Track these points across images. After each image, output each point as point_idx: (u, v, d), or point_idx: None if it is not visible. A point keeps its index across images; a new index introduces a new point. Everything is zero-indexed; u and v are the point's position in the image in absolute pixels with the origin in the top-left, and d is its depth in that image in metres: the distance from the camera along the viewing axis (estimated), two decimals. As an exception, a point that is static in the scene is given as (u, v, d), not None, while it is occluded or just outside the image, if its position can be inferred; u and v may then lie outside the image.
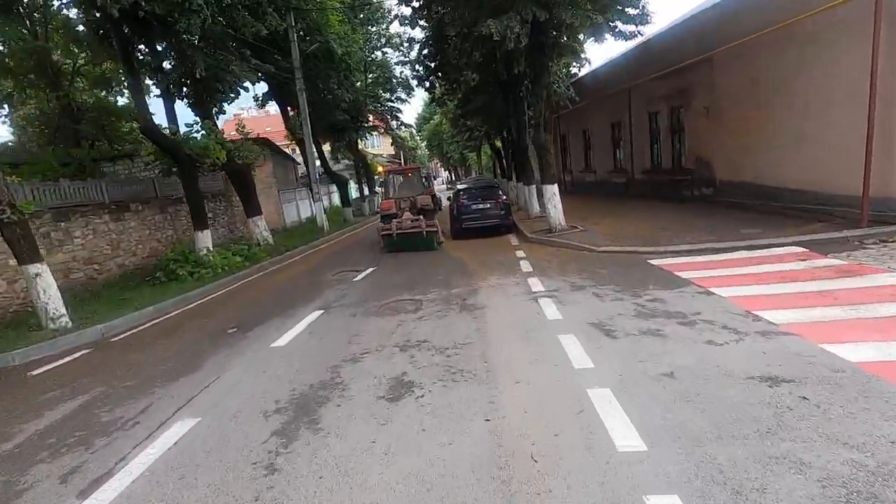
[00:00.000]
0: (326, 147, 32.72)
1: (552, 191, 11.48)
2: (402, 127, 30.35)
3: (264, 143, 22.27)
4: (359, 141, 32.96)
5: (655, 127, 16.85)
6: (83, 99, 20.07)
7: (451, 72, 20.50)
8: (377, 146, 63.85)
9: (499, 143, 33.38)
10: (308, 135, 18.57)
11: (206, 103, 13.68)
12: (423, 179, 15.95)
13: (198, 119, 13.28)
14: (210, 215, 16.54)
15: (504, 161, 30.35)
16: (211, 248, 12.01)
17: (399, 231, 12.19)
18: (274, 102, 23.27)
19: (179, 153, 11.62)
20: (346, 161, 34.84)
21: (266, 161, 22.18)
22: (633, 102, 17.73)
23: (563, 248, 10.23)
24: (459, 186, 14.65)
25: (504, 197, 13.42)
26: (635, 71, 16.75)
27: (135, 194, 13.16)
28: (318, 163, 25.51)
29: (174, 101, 12.67)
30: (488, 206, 13.18)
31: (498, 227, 13.31)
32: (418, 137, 73.02)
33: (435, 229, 12.21)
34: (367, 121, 28.50)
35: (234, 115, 62.39)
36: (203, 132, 12.53)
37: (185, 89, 13.19)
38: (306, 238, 17.53)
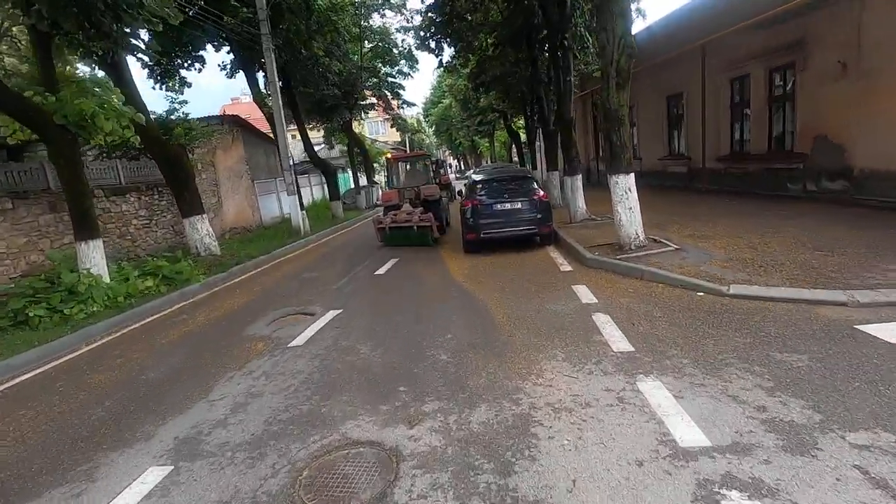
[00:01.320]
0: (319, 133, 28.53)
1: (626, 185, 7.19)
2: (405, 106, 26.03)
3: (233, 122, 18.21)
4: (354, 122, 28.90)
5: (741, 97, 12.44)
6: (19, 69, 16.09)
7: (464, 30, 16.21)
8: (380, 132, 59.62)
9: (518, 125, 29.04)
10: (278, 107, 14.37)
11: (116, 57, 9.45)
12: (434, 167, 14.38)
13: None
14: (144, 213, 12.53)
15: (525, 146, 26.08)
16: (96, 271, 7.90)
17: (393, 224, 11.09)
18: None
19: (44, 123, 7.48)
20: (342, 147, 30.53)
21: (235, 143, 18.14)
22: (708, 66, 13.30)
23: (656, 285, 5.99)
24: (475, 177, 10.32)
25: (541, 193, 9.15)
26: (713, 20, 12.31)
27: (5, 186, 9.13)
28: (291, 146, 21.55)
29: (48, 44, 8.46)
30: (518, 205, 8.92)
31: (531, 236, 9.13)
32: (425, 124, 68.95)
33: (428, 224, 10.76)
34: (363, 98, 24.22)
35: (232, 99, 58.52)
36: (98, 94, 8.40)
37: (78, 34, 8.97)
38: (274, 243, 13.43)
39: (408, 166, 14.52)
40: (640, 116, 17.87)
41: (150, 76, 16.02)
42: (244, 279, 9.70)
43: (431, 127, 63.72)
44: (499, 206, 8.93)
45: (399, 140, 60.80)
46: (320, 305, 6.73)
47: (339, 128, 25.87)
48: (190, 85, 17.37)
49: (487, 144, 48.36)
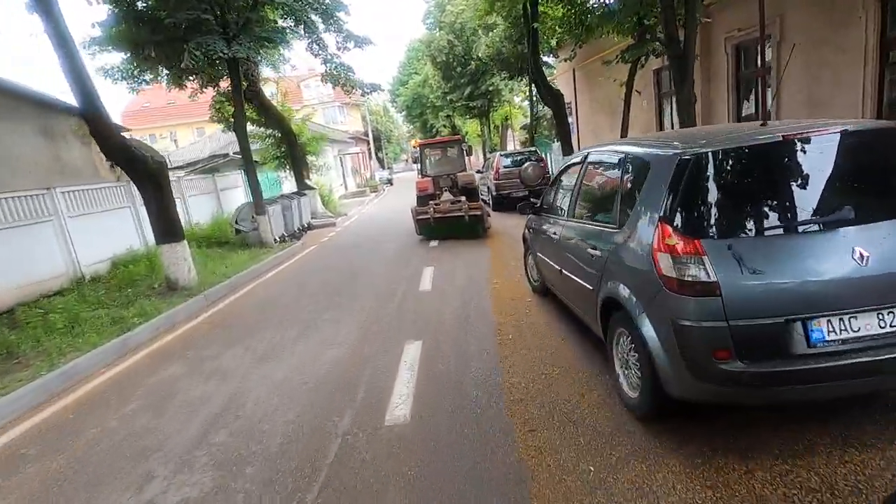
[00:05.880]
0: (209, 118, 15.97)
1: None
2: (349, 46, 13.68)
3: None
4: (239, 64, 17.14)
5: None
6: None
7: None
8: (338, 120, 47.08)
9: (548, 72, 17.30)
10: None
11: None
12: (465, 153, 12.69)
13: None
14: None
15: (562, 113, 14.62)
16: None
17: (438, 215, 10.32)
18: None
19: None
20: (264, 131, 17.96)
21: None
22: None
23: None
24: None
25: None
26: None
27: None
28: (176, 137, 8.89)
29: None
30: None
31: None
32: (393, 109, 56.76)
33: (479, 213, 10.24)
34: (264, 21, 12.10)
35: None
36: None
37: None
38: None
39: (437, 153, 12.96)
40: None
41: None
42: None
43: (401, 112, 51.67)
44: None
45: (362, 130, 48.41)
46: None
47: (246, 90, 13.63)
48: None
49: (478, 129, 36.41)
